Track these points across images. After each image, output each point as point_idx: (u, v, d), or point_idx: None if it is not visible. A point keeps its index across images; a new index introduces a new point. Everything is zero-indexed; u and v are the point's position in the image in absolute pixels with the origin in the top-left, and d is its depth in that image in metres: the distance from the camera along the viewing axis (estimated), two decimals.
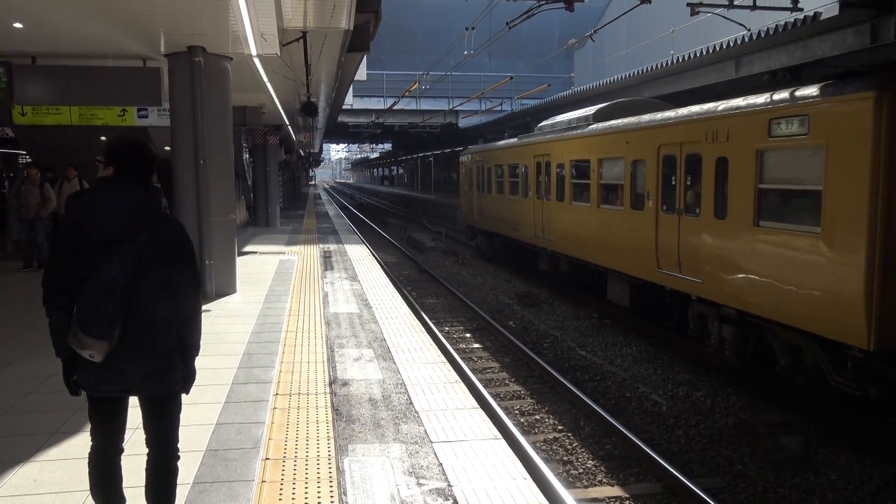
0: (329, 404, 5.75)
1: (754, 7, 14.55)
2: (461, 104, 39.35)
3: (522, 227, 18.13)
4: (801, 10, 13.63)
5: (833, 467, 7.07)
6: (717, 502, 6.12)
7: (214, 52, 10.37)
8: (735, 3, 14.32)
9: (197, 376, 3.51)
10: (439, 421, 5.44)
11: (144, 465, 3.43)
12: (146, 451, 3.44)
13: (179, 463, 3.51)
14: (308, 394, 6.02)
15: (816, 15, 13.02)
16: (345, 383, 6.38)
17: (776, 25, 14.22)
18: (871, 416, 7.96)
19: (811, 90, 7.90)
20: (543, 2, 13.19)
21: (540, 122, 19.14)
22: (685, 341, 11.34)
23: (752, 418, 7.97)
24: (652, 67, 20.03)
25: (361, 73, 26.06)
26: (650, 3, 13.65)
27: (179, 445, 3.51)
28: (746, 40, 15.23)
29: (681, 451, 7.66)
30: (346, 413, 5.59)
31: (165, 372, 3.30)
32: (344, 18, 9.39)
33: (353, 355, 7.38)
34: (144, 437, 3.44)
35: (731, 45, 15.88)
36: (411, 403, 5.85)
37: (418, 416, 5.54)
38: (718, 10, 14.64)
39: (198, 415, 5.35)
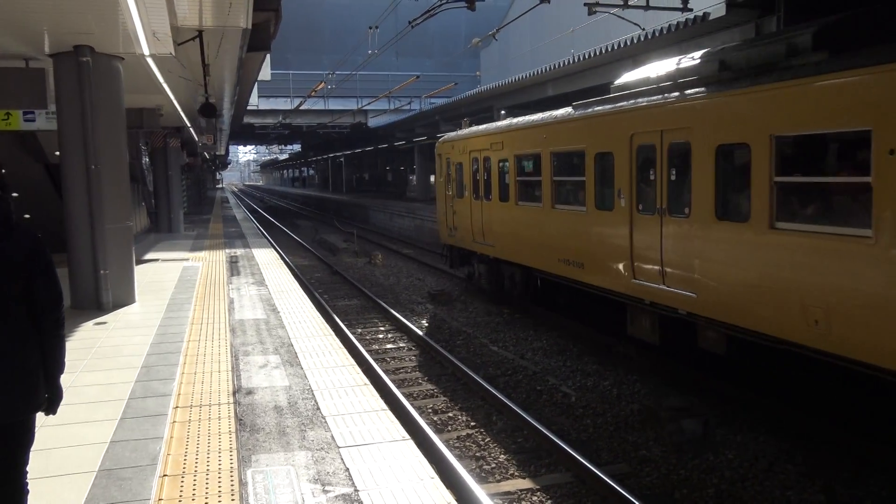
0: (232, 414, 5.57)
1: (648, 7, 15.09)
2: (370, 103, 39.13)
3: (596, 260, 10.43)
4: (692, 10, 14.23)
5: (730, 446, 7.41)
6: (623, 488, 6.29)
7: (103, 51, 9.88)
8: (630, 3, 14.81)
9: (90, 393, 3.31)
10: (347, 425, 5.36)
11: None
12: None
13: (68, 486, 3.28)
14: (210, 405, 5.82)
15: (706, 15, 13.63)
16: (249, 392, 6.21)
17: (669, 25, 14.81)
18: (765, 396, 8.38)
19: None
20: (445, 1, 13.25)
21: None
22: (592, 332, 11.65)
23: (655, 404, 8.24)
24: (554, 66, 20.49)
25: (265, 73, 25.45)
26: (549, 2, 13.93)
27: (68, 467, 3.29)
28: (642, 39, 15.79)
29: (589, 439, 7.85)
30: (250, 423, 5.43)
31: (23, 395, 3.02)
32: (242, 17, 9.14)
33: (258, 362, 7.19)
34: None
35: (629, 44, 16.43)
36: (318, 409, 5.75)
37: (325, 422, 5.45)
38: (614, 11, 15.11)
39: (90, 433, 5.07)
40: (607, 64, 18.41)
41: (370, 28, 21.56)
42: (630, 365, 10.40)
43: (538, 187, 12.19)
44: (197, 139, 29.31)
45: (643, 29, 15.70)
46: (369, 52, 23.93)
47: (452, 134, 16.80)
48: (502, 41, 27.52)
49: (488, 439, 7.90)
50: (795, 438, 7.50)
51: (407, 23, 14.70)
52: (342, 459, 4.72)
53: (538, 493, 6.59)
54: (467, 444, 7.81)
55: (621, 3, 14.36)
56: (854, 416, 7.43)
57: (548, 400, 9.23)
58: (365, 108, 40.56)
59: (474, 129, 15.21)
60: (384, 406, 5.87)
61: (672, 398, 8.59)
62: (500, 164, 13.60)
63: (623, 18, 15.33)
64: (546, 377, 10.12)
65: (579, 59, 18.94)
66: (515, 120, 13.49)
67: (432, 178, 50.10)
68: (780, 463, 6.96)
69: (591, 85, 19.86)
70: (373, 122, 42.94)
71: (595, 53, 18.02)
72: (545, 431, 7.68)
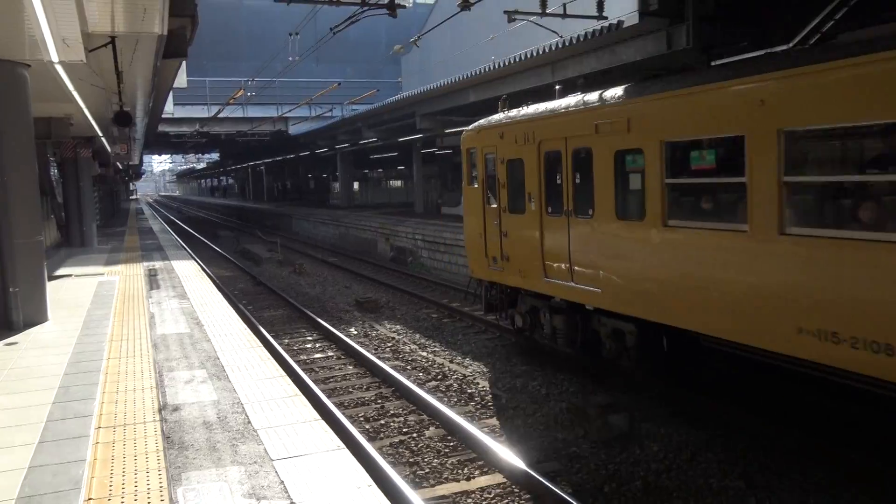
0: (159, 432, 5.41)
1: (565, 15, 15.46)
2: (290, 110, 38.57)
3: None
4: (606, 18, 14.67)
5: (655, 439, 7.68)
6: (555, 485, 6.43)
7: (8, 58, 9.41)
8: (548, 11, 15.14)
9: (3, 417, 3.16)
10: (280, 437, 5.29)
11: None
12: None
13: None
14: (135, 424, 5.63)
15: (620, 23, 14.07)
16: (176, 408, 6.03)
17: (586, 33, 15.22)
18: (685, 389, 8.72)
19: None
20: (366, 8, 13.22)
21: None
22: (518, 335, 11.81)
23: (582, 402, 8.45)
24: (475, 72, 20.73)
25: (181, 80, 24.78)
26: (469, 10, 14.09)
27: None
28: (560, 47, 16.17)
29: (521, 439, 7.98)
30: (178, 440, 5.28)
31: None
32: (157, 23, 8.87)
33: (184, 378, 6.99)
34: None
35: (547, 51, 16.80)
36: (249, 422, 5.64)
37: (257, 435, 5.35)
38: (533, 18, 15.41)
39: (5, 461, 4.82)
40: (528, 70, 18.76)
41: (290, 34, 21.25)
42: (558, 365, 10.62)
43: (737, 198, 6.93)
44: (109, 149, 28.19)
45: (561, 36, 16.07)
46: (290, 58, 23.60)
47: (498, 117, 11.25)
48: (424, 48, 27.60)
49: (421, 444, 7.93)
50: (715, 429, 7.84)
51: (328, 29, 14.56)
52: (276, 472, 4.66)
53: (473, 496, 6.66)
54: (401, 450, 7.82)
55: (539, 10, 14.65)
56: (764, 403, 7.83)
57: (479, 402, 9.33)
58: (286, 115, 39.95)
59: (553, 105, 9.82)
60: (316, 416, 5.81)
61: (598, 395, 8.84)
62: (623, 159, 8.35)
63: (541, 26, 15.65)
64: (476, 380, 10.23)
65: (500, 65, 19.23)
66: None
67: (356, 185, 49.91)
68: (701, 453, 7.26)
69: (512, 90, 20.18)
70: (294, 129, 42.30)
71: (515, 60, 18.34)
72: (476, 434, 7.77)
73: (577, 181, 9.27)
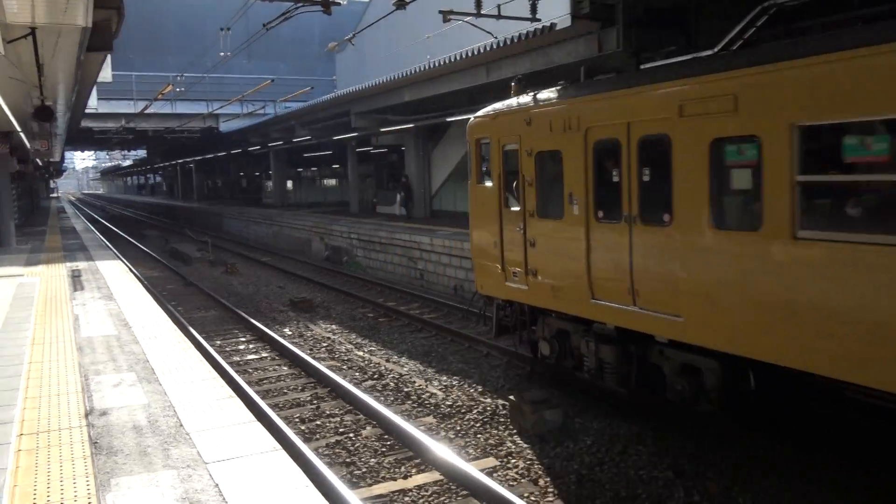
0: (86, 438, 5.23)
1: (499, 17, 15.63)
2: (221, 107, 37.74)
3: None
4: (540, 20, 14.91)
5: (588, 433, 7.86)
6: (491, 481, 6.51)
7: None
8: (482, 12, 15.28)
9: None
10: (214, 440, 5.18)
11: None
12: None
13: None
14: (61, 429, 5.42)
15: (553, 25, 14.32)
16: (104, 413, 5.84)
17: (520, 34, 15.42)
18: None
19: None
20: (300, 4, 13.06)
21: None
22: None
23: (518, 398, 8.57)
24: (410, 72, 20.74)
25: (106, 74, 23.84)
26: (405, 9, 14.10)
27: None
28: (495, 48, 16.34)
29: (457, 436, 8.05)
30: (106, 445, 5.12)
31: None
32: (80, 14, 8.56)
33: (112, 381, 6.77)
34: None
35: (482, 51, 16.94)
36: (181, 425, 5.51)
37: (190, 438, 5.23)
38: (468, 19, 15.53)
39: None
40: (463, 70, 18.89)
41: (222, 30, 20.78)
42: (492, 362, 10.74)
43: None
44: (29, 145, 26.98)
45: (495, 37, 16.24)
46: (221, 54, 23.08)
47: (525, 100, 9.14)
48: (358, 46, 27.42)
49: (358, 444, 7.90)
50: (645, 422, 8.08)
51: (261, 25, 14.32)
52: (211, 475, 4.57)
53: (410, 494, 6.68)
54: (337, 450, 7.77)
55: (475, 11, 14.77)
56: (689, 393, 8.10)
57: (415, 401, 9.35)
58: (216, 112, 39.04)
59: (607, 83, 8.08)
60: (251, 418, 5.72)
61: (533, 391, 8.98)
62: (723, 149, 6.54)
63: (476, 26, 15.78)
64: (413, 378, 10.25)
65: (435, 65, 19.30)
66: None
67: (290, 184, 49.18)
68: (632, 445, 7.48)
69: (448, 90, 20.29)
70: (225, 126, 41.38)
71: (450, 60, 18.43)
72: (413, 432, 7.79)
73: (645, 178, 7.25)
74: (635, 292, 7.35)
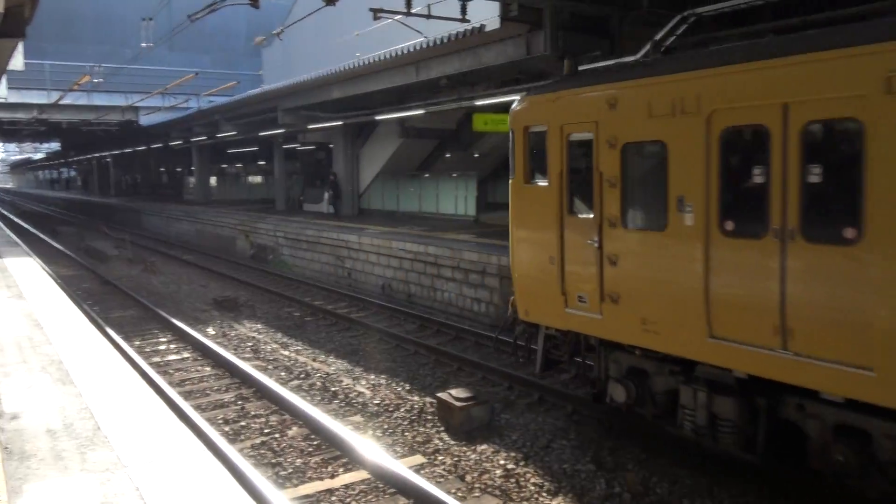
0: None
1: (430, 16, 15.69)
2: (142, 100, 36.47)
3: None
4: (469, 21, 15.04)
5: (514, 429, 8.01)
6: (419, 478, 6.55)
7: None
8: (412, 11, 15.31)
9: None
10: (134, 443, 5.03)
11: None
12: None
13: None
14: None
15: (482, 27, 14.47)
16: (14, 416, 5.58)
17: (450, 35, 15.52)
18: (542, 378, 9.14)
19: None
20: None
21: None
22: (383, 333, 11.78)
23: (446, 395, 8.64)
24: (340, 69, 20.58)
25: (18, 63, 22.67)
26: (334, 4, 13.97)
27: None
28: (425, 47, 16.40)
29: (385, 435, 8.05)
30: (18, 450, 4.89)
31: None
32: None
33: (24, 383, 6.47)
34: None
35: (412, 50, 16.97)
36: (99, 428, 5.32)
37: (108, 441, 5.06)
38: (398, 17, 15.52)
39: None
40: (393, 68, 18.87)
41: (143, 20, 20.10)
42: (420, 360, 10.79)
43: None
44: None
45: (425, 37, 16.29)
46: (142, 45, 22.31)
47: (597, 79, 7.37)
48: (286, 41, 26.99)
49: (284, 444, 7.80)
50: (569, 416, 8.29)
51: (185, 16, 13.94)
52: (131, 479, 4.43)
53: (337, 493, 6.65)
54: (262, 451, 7.65)
55: (405, 10, 14.78)
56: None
57: (343, 400, 9.30)
58: (136, 104, 37.67)
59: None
60: (173, 420, 5.58)
61: (461, 388, 9.06)
62: None
63: (406, 25, 15.80)
64: (340, 378, 10.19)
65: (365, 62, 19.20)
66: None
67: (213, 180, 47.94)
68: (556, 440, 7.66)
69: (377, 88, 20.22)
70: (145, 119, 39.97)
71: (380, 58, 18.38)
72: (340, 432, 7.75)
73: (813, 179, 5.51)
74: (787, 331, 5.61)
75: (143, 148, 47.55)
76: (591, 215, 7.20)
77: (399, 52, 17.47)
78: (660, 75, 6.55)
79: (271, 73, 40.55)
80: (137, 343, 12.39)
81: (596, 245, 7.12)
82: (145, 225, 38.69)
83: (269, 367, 10.90)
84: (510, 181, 8.42)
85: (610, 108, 6.92)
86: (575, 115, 7.40)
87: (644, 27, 12.98)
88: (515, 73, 16.93)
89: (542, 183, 7.84)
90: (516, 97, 16.76)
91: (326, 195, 28.29)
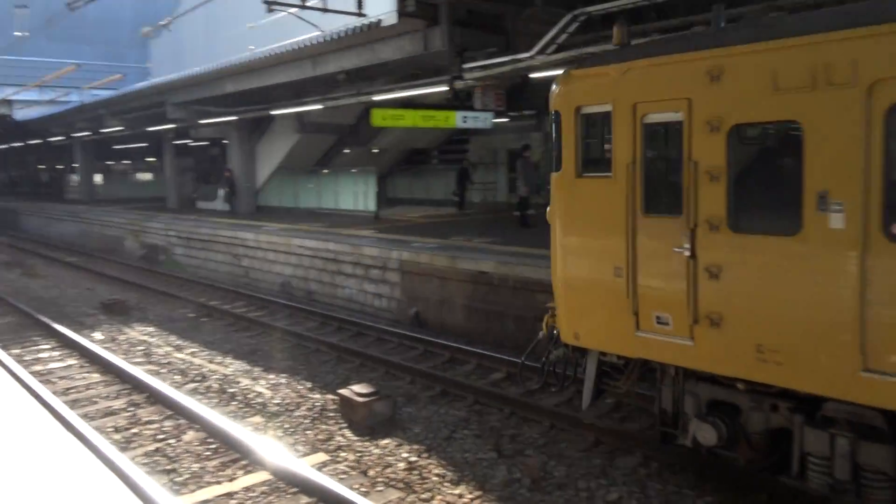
0: None
1: (325, 10, 15.47)
2: (16, 93, 34.15)
3: None
4: (366, 15, 14.93)
5: (417, 422, 8.06)
6: (321, 476, 6.48)
7: None
8: (308, 4, 15.04)
9: None
10: (15, 457, 4.72)
11: None
12: None
13: None
14: None
15: (379, 22, 14.41)
16: None
17: (346, 29, 15.36)
18: (444, 373, 9.24)
19: None
20: None
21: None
22: (283, 332, 11.58)
23: (348, 392, 8.58)
24: (233, 62, 20.00)
25: None
26: None
27: None
28: (321, 41, 16.16)
29: (286, 434, 7.91)
30: None
31: None
32: None
33: None
34: None
35: (308, 45, 16.69)
36: None
37: None
38: (293, 10, 15.22)
39: None
40: (288, 62, 18.50)
41: (17, 7, 18.81)
42: (322, 357, 10.67)
43: None
44: None
45: (322, 31, 16.05)
46: (16, 34, 20.86)
47: (688, 43, 6.06)
48: (175, 32, 25.93)
49: (180, 450, 7.53)
50: (471, 406, 8.42)
51: (63, 4, 13.15)
52: (11, 496, 4.16)
53: (237, 496, 6.48)
54: (156, 458, 7.36)
55: (300, 3, 14.51)
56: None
57: (242, 401, 9.06)
58: (10, 98, 35.24)
59: None
60: (59, 430, 5.27)
61: (363, 384, 9.03)
62: None
63: (302, 19, 15.52)
64: (239, 378, 9.93)
65: (259, 56, 18.73)
66: None
67: (98, 178, 45.45)
68: (459, 430, 7.77)
69: (273, 82, 19.78)
70: (21, 114, 37.43)
71: (275, 52, 17.98)
72: (239, 434, 7.55)
73: None
74: None
75: (21, 144, 44.60)
76: (680, 216, 5.67)
77: (295, 47, 17.14)
78: (792, 36, 5.05)
79: (160, 66, 38.84)
80: (17, 352, 11.62)
81: (686, 253, 5.60)
82: (23, 226, 36.30)
83: (163, 370, 10.49)
84: (552, 175, 6.70)
85: (711, 80, 5.43)
86: (655, 91, 5.86)
87: (538, 25, 13.34)
88: (414, 68, 16.99)
89: (604, 177, 6.26)
90: (416, 92, 16.93)
91: (222, 192, 27.44)
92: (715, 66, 5.39)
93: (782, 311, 5.13)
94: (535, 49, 12.10)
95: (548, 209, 6.81)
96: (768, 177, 5.62)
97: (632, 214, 6.00)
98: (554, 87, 6.64)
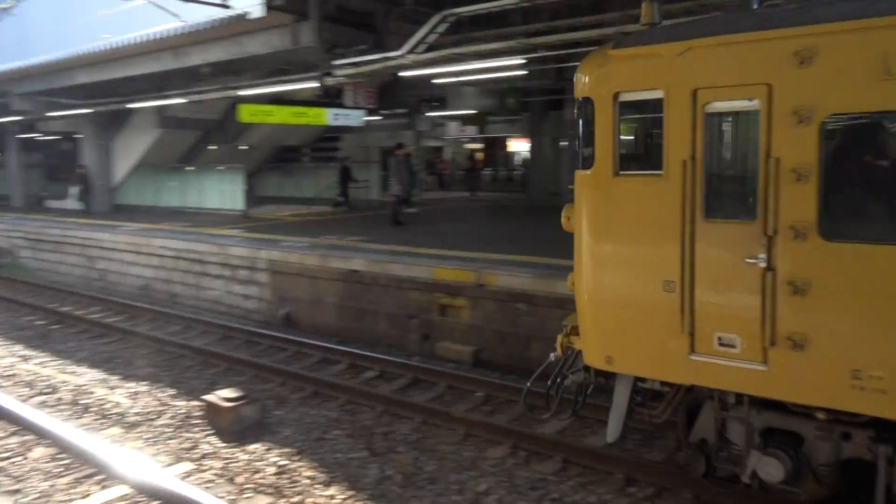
0: None
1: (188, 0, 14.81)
2: None
3: None
4: (230, 7, 14.40)
5: (287, 425, 7.88)
6: (185, 485, 6.20)
7: None
8: None
9: None
10: None
11: None
12: None
13: None
14: None
15: (245, 14, 13.95)
16: None
17: (211, 21, 14.76)
18: (316, 374, 9.11)
19: None
20: None
21: None
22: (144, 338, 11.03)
23: (213, 397, 8.26)
24: (85, 51, 18.74)
25: None
26: None
27: None
28: (183, 32, 15.45)
29: (147, 445, 7.51)
30: None
31: None
32: None
33: None
34: None
35: (168, 35, 15.91)
36: None
37: None
38: None
39: None
40: (147, 53, 17.55)
41: None
42: (186, 362, 10.23)
43: None
44: None
45: (184, 21, 15.35)
46: None
47: (760, 20, 4.85)
48: (21, 17, 23.99)
49: (27, 468, 6.97)
50: (342, 406, 8.35)
51: None
52: None
53: None
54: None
55: None
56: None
57: (97, 412, 8.51)
58: None
59: None
60: None
61: (230, 388, 8.73)
62: None
63: (162, 8, 14.77)
64: (93, 388, 9.32)
65: (115, 45, 17.64)
66: None
67: None
68: (330, 431, 7.69)
69: (130, 74, 18.73)
70: None
71: (133, 42, 17.00)
72: (94, 447, 7.08)
73: None
74: None
75: None
76: (753, 221, 4.84)
77: (154, 37, 16.29)
78: None
79: (2, 53, 35.84)
80: None
81: (762, 265, 4.78)
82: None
83: (6, 383, 9.66)
84: (578, 173, 5.64)
85: (799, 63, 4.59)
86: (724, 76, 4.93)
87: (408, 24, 13.41)
88: (283, 63, 16.61)
89: (651, 175, 5.29)
90: (285, 87, 16.56)
91: (74, 190, 25.66)
92: (805, 47, 4.54)
93: (888, 331, 4.37)
94: (406, 48, 12.16)
95: (563, 213, 5.84)
96: (874, 176, 4.69)
97: (689, 219, 5.06)
98: (581, 69, 5.55)
